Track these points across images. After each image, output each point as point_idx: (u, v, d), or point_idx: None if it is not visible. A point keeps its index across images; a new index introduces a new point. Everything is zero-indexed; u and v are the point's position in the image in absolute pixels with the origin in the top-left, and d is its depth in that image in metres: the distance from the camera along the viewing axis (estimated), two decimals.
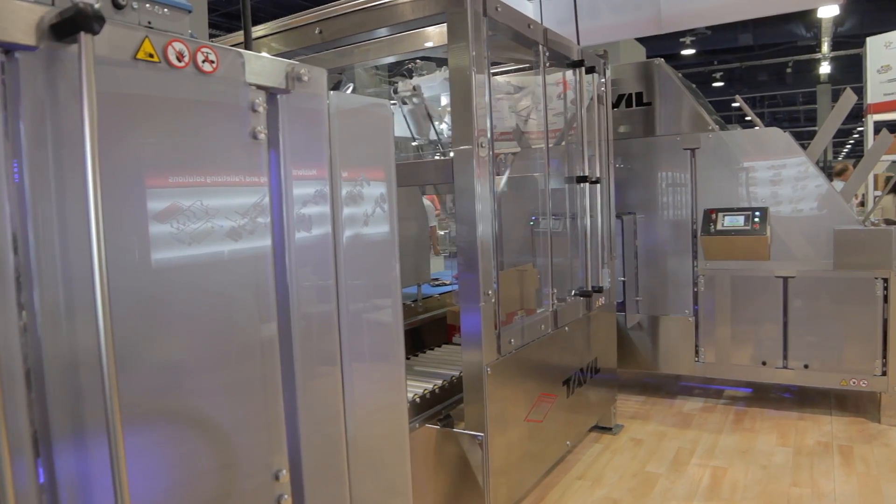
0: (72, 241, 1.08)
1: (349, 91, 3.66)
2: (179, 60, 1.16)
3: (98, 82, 1.06)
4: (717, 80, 17.84)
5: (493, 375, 2.58)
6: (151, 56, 1.12)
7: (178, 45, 1.15)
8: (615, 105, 4.60)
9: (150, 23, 1.21)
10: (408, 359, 3.33)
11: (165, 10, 1.23)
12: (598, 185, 3.59)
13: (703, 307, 4.35)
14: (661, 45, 13.62)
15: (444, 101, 3.76)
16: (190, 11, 1.27)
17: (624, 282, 4.36)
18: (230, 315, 1.32)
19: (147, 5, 1.20)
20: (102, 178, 1.06)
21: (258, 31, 3.13)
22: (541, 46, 3.06)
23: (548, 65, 3.10)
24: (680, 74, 4.69)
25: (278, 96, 1.38)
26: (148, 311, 1.19)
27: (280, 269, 1.40)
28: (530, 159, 4.17)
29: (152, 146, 1.17)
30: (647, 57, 10.27)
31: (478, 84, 2.49)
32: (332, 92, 1.68)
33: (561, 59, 3.38)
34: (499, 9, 2.66)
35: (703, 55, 16.13)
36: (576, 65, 3.39)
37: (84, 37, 1.00)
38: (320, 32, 2.92)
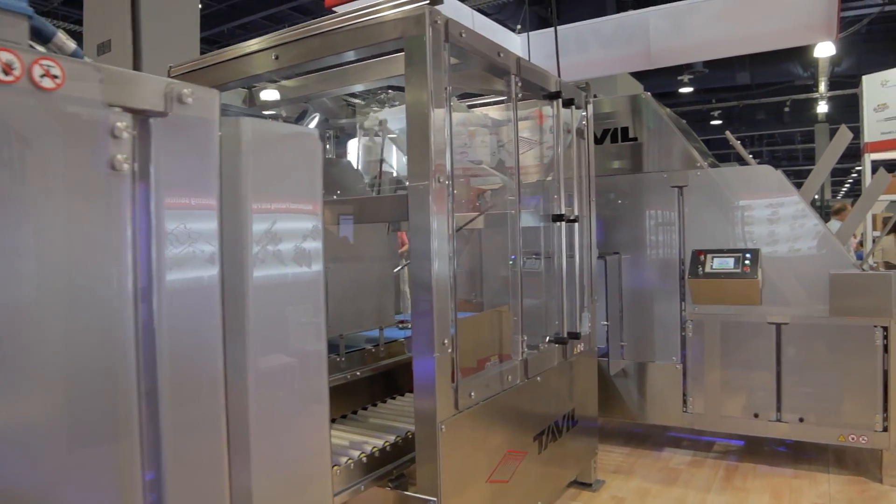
0: None
1: (314, 122, 3.48)
2: (7, 73, 0.96)
3: None
4: (715, 119, 17.81)
5: (448, 433, 2.32)
6: None
7: (4, 56, 0.95)
8: (600, 140, 4.42)
9: None
10: (365, 409, 3.08)
11: None
12: (577, 224, 3.38)
13: (691, 354, 4.10)
14: (659, 83, 13.58)
15: None
16: (30, 17, 1.07)
17: (607, 326, 4.12)
18: (73, 374, 1.09)
19: None
20: None
21: (227, 53, 2.94)
22: (513, 76, 2.88)
23: (520, 96, 2.91)
24: (668, 110, 4.52)
25: (151, 120, 1.17)
26: None
27: (146, 317, 1.18)
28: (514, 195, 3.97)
29: None
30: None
31: (436, 115, 2.29)
32: (246, 118, 1.49)
33: (537, 91, 3.20)
34: (463, 34, 2.48)
35: (701, 93, 16.10)
36: (552, 96, 3.20)
37: None
38: (277, 58, 2.75)
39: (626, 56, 6.19)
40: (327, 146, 4.41)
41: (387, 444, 2.47)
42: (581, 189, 3.70)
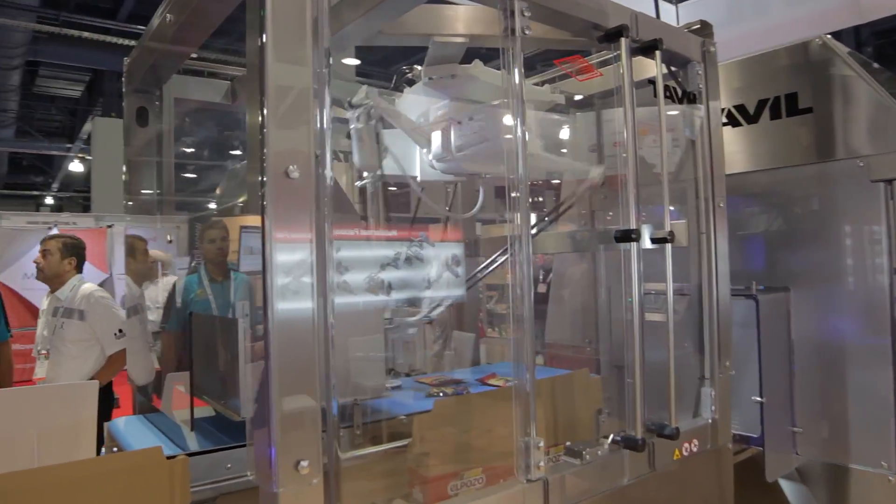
0: None
1: None
2: None
3: None
4: None
5: None
6: None
7: None
8: (754, 118, 2.97)
9: None
10: None
11: None
12: (668, 247, 2.06)
13: None
14: None
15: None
16: None
17: (762, 404, 2.63)
18: None
19: None
20: None
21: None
22: (515, 1, 1.73)
23: (527, 31, 1.74)
24: (872, 61, 2.91)
25: None
26: None
27: None
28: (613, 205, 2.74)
29: None
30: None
31: (286, 56, 1.28)
32: None
33: (585, 30, 2.00)
34: None
35: None
36: (610, 37, 1.96)
37: None
38: (171, 21, 1.95)
39: (824, 12, 4.46)
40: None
41: None
42: (705, 190, 2.38)
